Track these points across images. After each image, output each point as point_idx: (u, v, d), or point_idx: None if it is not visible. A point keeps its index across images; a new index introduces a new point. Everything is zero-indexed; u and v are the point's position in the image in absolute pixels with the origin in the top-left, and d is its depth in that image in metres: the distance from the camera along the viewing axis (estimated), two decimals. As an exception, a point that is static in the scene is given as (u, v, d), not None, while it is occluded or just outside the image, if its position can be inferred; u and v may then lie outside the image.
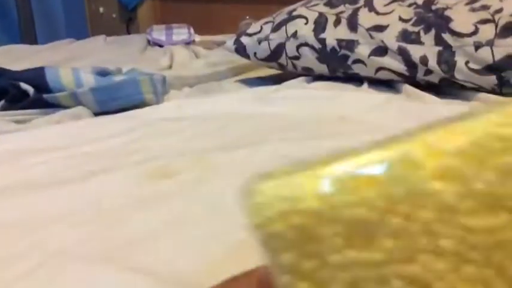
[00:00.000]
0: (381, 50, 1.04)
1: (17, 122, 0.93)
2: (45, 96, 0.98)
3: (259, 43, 1.19)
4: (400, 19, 1.04)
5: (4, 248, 0.50)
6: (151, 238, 0.53)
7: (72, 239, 0.52)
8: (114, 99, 0.99)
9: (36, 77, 1.01)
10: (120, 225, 0.55)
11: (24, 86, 1.00)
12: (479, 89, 0.96)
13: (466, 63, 0.94)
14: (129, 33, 2.38)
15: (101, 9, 2.56)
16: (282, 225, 0.12)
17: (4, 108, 0.99)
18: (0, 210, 0.57)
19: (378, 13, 1.07)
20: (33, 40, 2.32)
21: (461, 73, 0.95)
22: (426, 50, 0.98)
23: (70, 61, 1.45)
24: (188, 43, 1.83)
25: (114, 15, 2.49)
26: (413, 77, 1.02)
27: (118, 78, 1.08)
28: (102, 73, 1.11)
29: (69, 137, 0.80)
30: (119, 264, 0.48)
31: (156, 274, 0.47)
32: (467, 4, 0.99)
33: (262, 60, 1.21)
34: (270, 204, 0.13)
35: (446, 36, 0.97)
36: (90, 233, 0.53)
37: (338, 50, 1.08)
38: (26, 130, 0.87)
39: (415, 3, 1.05)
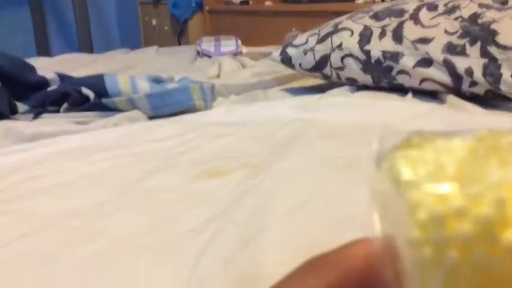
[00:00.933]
0: (426, 62, 1.05)
1: (78, 123, 1.01)
2: (103, 100, 1.05)
3: (305, 54, 1.23)
4: (446, 32, 1.05)
5: (73, 232, 0.56)
6: (203, 231, 0.57)
7: (134, 229, 0.57)
8: (167, 104, 1.05)
9: (97, 83, 1.09)
10: (175, 219, 0.59)
11: (85, 91, 1.08)
12: (525, 101, 0.97)
13: (512, 75, 0.95)
14: (180, 44, 2.48)
15: (154, 22, 2.68)
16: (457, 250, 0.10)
17: (66, 111, 1.07)
18: (69, 199, 0.63)
19: (423, 26, 1.09)
20: (89, 50, 2.46)
21: (506, 85, 0.96)
22: (471, 62, 0.99)
23: (125, 69, 1.54)
24: (235, 54, 1.90)
25: (166, 28, 2.60)
26: (458, 88, 1.03)
27: (171, 85, 1.15)
28: (156, 80, 1.18)
29: (127, 138, 0.86)
30: (171, 256, 0.52)
31: (209, 263, 0.51)
32: (514, 17, 0.99)
33: (307, 70, 1.25)
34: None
35: (492, 49, 0.97)
36: (150, 223, 0.58)
37: (383, 61, 1.11)
38: (87, 131, 0.94)
39: (460, 16, 1.06)
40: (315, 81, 1.34)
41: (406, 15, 1.13)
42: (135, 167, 0.72)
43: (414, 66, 1.07)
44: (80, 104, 1.07)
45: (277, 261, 0.52)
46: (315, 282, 0.12)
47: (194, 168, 0.71)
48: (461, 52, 1.01)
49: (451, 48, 1.03)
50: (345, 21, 1.23)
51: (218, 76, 1.50)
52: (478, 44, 1.00)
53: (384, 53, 1.11)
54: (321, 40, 1.22)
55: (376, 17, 1.18)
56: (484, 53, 0.98)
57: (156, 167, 0.73)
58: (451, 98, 1.02)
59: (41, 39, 2.83)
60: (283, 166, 0.70)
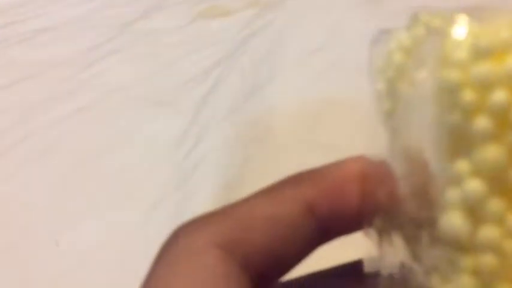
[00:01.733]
0: None
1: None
2: None
3: None
4: None
5: (58, 82, 0.50)
6: (205, 78, 0.51)
7: (126, 78, 0.51)
8: None
9: None
10: (174, 65, 0.53)
11: None
12: None
13: None
14: None
15: None
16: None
17: None
18: (53, 46, 0.56)
19: None
20: None
21: None
22: None
23: None
24: None
25: None
26: None
27: None
28: None
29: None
30: (170, 108, 0.47)
31: (211, 114, 0.46)
32: None
33: None
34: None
35: None
36: (144, 71, 0.52)
37: None
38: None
39: None
40: None
41: None
42: (126, 7, 0.64)
43: None
44: None
45: (287, 112, 0.46)
46: (290, 196, 0.10)
47: (195, 7, 0.63)
48: None
49: None
50: None
51: None
52: None
53: None
54: None
55: None
56: None
57: (151, 6, 0.64)
58: None
59: None
60: (297, 2, 0.60)
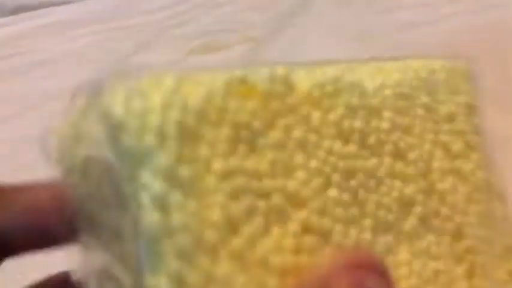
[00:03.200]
0: None
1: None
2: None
3: None
4: None
5: (55, 116, 0.51)
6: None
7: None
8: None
9: None
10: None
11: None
12: None
13: None
14: None
15: None
16: (159, 118, 0.10)
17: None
18: (52, 79, 0.58)
19: None
20: None
21: None
22: None
23: None
24: None
25: None
26: None
27: None
28: None
29: (117, 9, 0.78)
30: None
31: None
32: None
33: None
34: (146, 93, 0.10)
35: None
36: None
37: None
38: (74, 2, 0.85)
39: None
40: None
41: None
42: (124, 42, 0.65)
43: None
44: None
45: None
46: None
47: (189, 43, 0.64)
48: None
49: None
50: None
51: None
52: None
53: None
54: None
55: None
56: None
57: (147, 41, 0.66)
58: None
59: None
60: (288, 38, 0.62)
